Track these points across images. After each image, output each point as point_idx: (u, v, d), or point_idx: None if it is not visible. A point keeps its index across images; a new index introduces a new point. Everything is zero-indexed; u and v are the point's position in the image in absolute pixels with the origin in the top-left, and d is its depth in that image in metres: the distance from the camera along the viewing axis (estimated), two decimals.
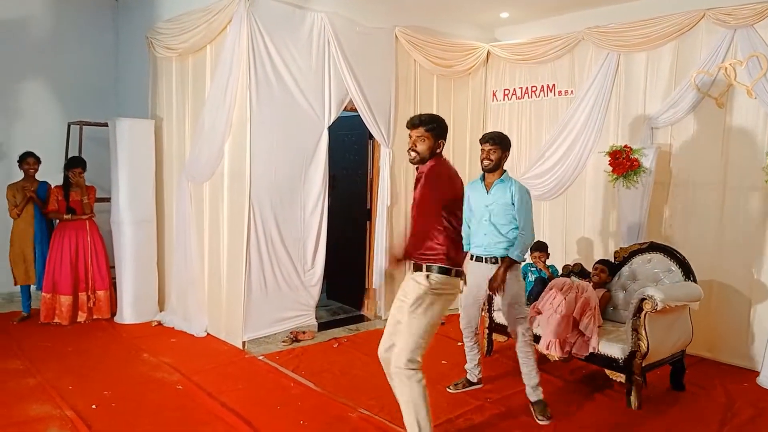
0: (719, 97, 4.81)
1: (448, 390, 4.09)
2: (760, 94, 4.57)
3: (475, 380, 4.16)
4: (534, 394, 3.74)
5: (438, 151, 3.07)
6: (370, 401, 3.87)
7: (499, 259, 3.79)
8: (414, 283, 3.03)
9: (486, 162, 3.85)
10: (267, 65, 4.86)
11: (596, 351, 4.02)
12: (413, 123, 3.08)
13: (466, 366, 4.18)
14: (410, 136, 3.09)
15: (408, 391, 2.92)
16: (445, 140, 3.10)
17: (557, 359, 4.17)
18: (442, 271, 3.01)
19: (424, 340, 2.97)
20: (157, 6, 5.89)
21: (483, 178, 3.94)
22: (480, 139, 3.92)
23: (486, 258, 3.84)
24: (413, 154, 3.07)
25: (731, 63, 4.73)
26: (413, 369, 2.92)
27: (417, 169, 3.13)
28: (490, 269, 3.79)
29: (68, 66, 6.60)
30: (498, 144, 3.83)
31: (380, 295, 5.91)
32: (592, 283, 4.52)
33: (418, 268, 3.05)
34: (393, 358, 2.99)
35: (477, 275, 3.84)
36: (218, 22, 4.88)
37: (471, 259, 3.91)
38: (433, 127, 3.05)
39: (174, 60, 5.55)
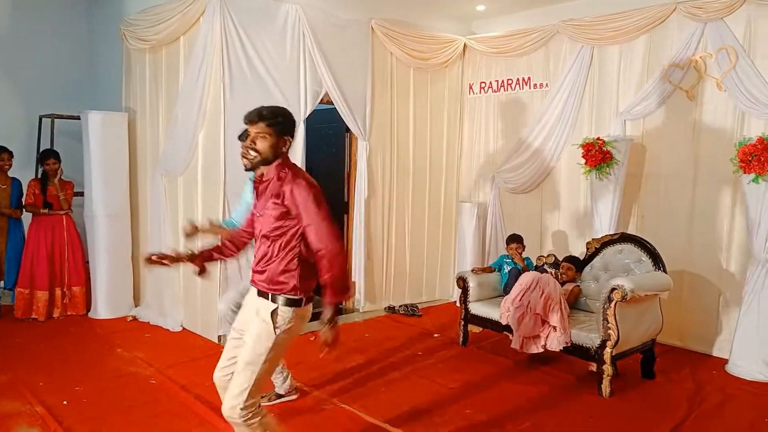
0: (690, 90, 4.87)
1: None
2: (730, 87, 4.64)
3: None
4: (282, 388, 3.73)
5: (284, 149, 2.51)
6: (344, 393, 3.89)
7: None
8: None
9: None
10: (241, 57, 4.83)
11: (569, 344, 4.08)
12: (251, 118, 2.48)
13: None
14: (248, 134, 2.49)
15: None
16: (292, 137, 2.56)
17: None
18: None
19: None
20: None
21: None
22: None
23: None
24: (252, 154, 2.45)
25: (701, 56, 4.79)
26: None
27: (260, 176, 2.54)
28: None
29: (39, 59, 6.46)
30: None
31: (359, 289, 5.92)
32: (560, 280, 4.58)
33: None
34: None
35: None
36: (192, 13, 4.83)
37: None
38: (277, 121, 2.48)
39: (147, 52, 5.48)
